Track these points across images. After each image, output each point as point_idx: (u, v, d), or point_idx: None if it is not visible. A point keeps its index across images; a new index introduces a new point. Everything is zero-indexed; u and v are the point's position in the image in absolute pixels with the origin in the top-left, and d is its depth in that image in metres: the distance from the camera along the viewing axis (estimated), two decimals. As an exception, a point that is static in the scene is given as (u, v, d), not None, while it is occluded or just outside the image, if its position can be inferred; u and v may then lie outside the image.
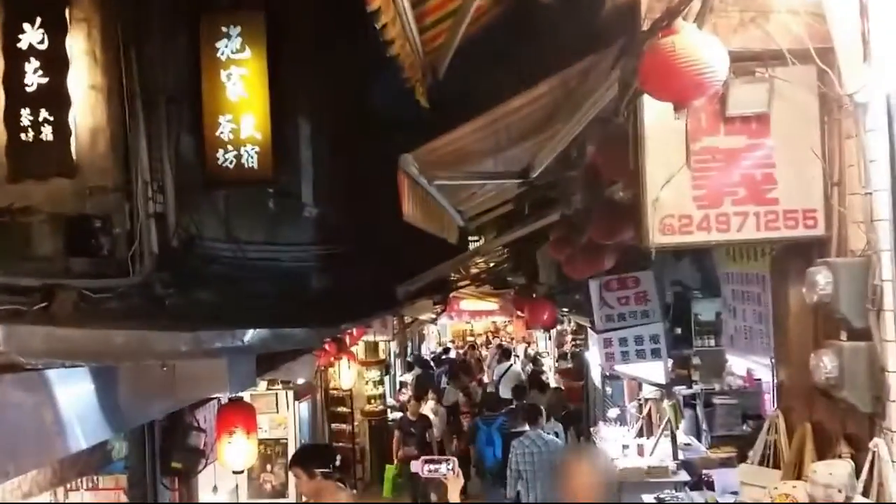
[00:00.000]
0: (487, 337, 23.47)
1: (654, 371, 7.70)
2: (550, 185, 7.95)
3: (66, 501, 4.94)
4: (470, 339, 23.62)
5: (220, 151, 5.57)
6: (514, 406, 11.19)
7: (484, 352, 20.13)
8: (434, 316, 16.25)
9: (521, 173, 5.37)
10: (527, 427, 8.80)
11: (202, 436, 5.45)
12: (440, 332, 23.06)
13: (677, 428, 8.14)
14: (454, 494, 4.42)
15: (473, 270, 13.95)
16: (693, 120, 3.50)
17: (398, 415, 13.02)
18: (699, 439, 8.10)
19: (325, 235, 10.46)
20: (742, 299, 5.02)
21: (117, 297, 4.68)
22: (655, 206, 3.52)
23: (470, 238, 11.18)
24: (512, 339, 20.35)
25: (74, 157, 4.99)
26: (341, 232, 11.17)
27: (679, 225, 3.54)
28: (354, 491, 7.12)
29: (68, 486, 4.88)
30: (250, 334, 4.54)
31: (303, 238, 9.59)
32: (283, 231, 8.73)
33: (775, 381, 4.45)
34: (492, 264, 14.12)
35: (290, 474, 7.20)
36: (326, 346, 7.78)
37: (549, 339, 19.66)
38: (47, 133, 4.94)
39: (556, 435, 9.39)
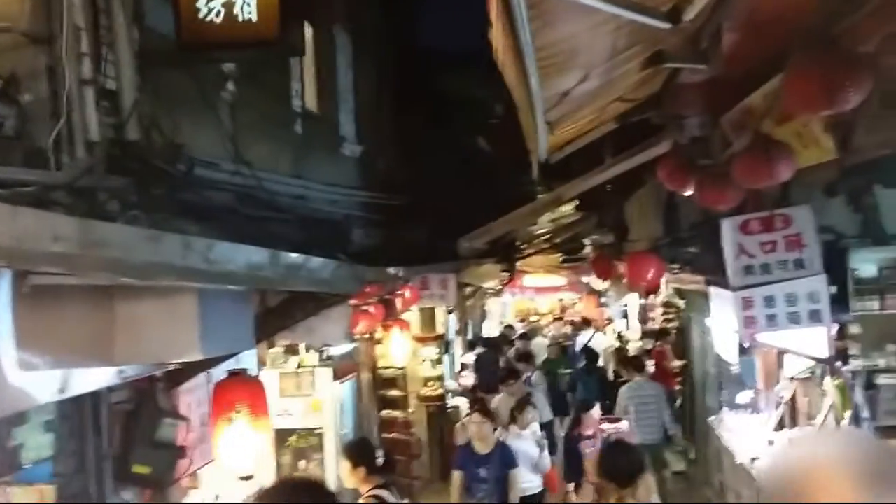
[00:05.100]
0: (555, 316, 21.27)
1: (810, 340, 5.75)
2: (654, 105, 6.25)
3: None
4: (534, 318, 21.49)
5: (202, -1, 3.67)
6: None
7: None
8: (499, 286, 14.36)
9: (669, 13, 3.36)
10: (636, 376, 9.41)
11: (181, 426, 3.64)
12: (502, 311, 21.02)
13: (843, 417, 6.24)
14: None
15: (542, 231, 12.03)
16: None
17: (459, 401, 11.08)
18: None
19: (372, 181, 8.75)
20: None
21: (24, 198, 2.88)
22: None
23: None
24: (584, 318, 18.06)
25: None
26: (392, 180, 9.46)
27: None
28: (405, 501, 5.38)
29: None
30: (221, 250, 2.68)
31: (342, 179, 7.85)
32: (315, 166, 6.97)
33: None
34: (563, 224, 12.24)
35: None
36: (370, 308, 5.92)
37: (626, 316, 17.52)
38: (-75, -44, 3.18)
39: None
